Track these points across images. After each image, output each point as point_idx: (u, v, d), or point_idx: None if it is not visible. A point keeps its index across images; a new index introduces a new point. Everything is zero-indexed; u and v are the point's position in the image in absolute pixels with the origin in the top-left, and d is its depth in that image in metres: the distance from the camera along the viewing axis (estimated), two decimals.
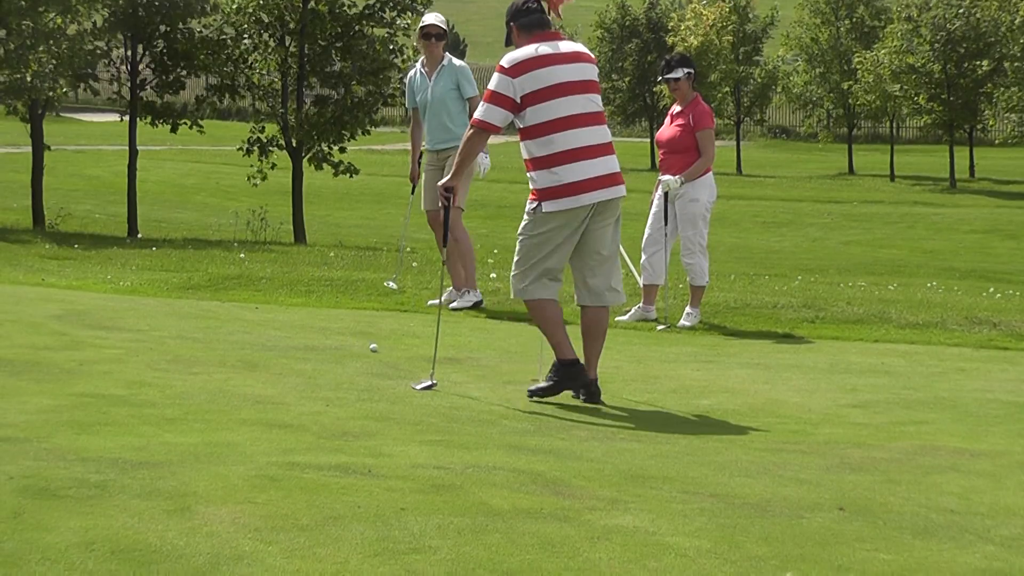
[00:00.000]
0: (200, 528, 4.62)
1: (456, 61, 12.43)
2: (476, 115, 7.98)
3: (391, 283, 13.70)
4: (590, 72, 8.00)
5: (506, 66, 7.86)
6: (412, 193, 13.26)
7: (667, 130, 12.32)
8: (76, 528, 4.52)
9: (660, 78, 12.47)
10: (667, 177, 12.11)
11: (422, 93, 12.44)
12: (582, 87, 7.90)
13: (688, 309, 12.11)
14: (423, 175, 12.58)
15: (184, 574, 4.16)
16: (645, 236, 12.30)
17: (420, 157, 12.89)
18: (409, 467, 5.68)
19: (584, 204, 7.81)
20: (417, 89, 12.51)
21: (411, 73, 12.69)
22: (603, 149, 7.92)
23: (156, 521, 4.66)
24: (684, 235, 12.15)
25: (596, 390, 7.96)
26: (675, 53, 13.17)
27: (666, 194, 12.12)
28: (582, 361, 8.00)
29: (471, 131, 8.01)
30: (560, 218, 7.85)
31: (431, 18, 12.49)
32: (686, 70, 12.12)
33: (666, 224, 12.10)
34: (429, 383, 7.92)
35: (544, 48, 7.88)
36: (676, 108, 12.31)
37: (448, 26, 13.18)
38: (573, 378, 7.95)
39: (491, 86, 7.90)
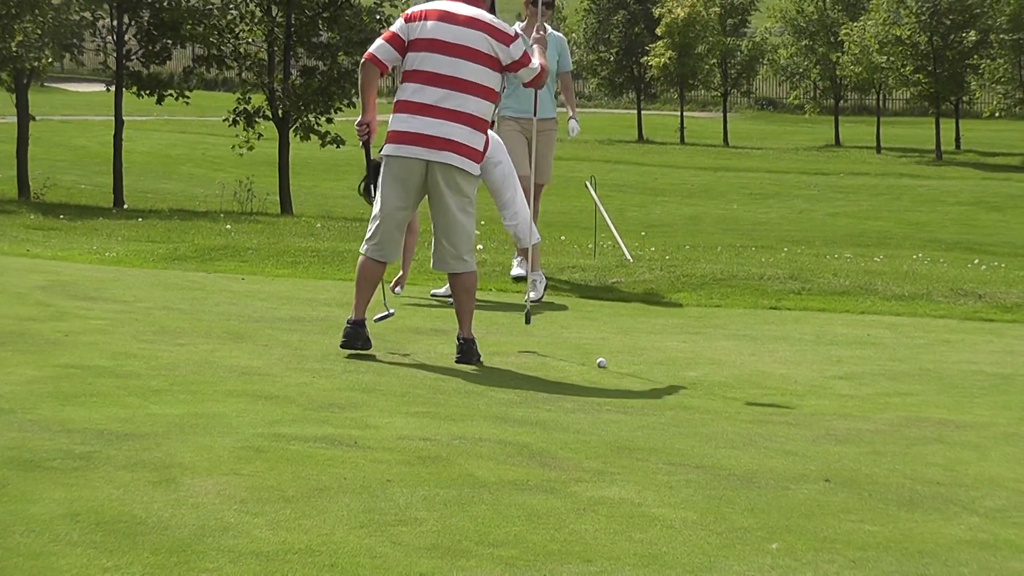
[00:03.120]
0: (185, 499, 4.61)
1: (556, 32, 12.07)
2: (370, 48, 8.17)
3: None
4: (481, 42, 7.94)
5: (408, 13, 8.12)
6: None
7: None
8: (61, 499, 4.51)
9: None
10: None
11: None
12: (461, 51, 7.91)
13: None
14: (505, 141, 11.58)
15: (169, 545, 4.15)
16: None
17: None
18: (395, 439, 5.68)
19: (400, 155, 7.94)
20: None
21: None
22: (450, 114, 7.91)
23: (141, 492, 4.65)
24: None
25: (467, 350, 8.04)
26: None
27: None
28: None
29: (362, 63, 8.18)
30: (391, 166, 8.02)
31: None
32: None
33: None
34: (386, 314, 8.46)
35: (444, 4, 8.06)
36: None
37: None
38: (350, 335, 7.99)
39: (391, 27, 8.20)
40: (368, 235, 8.13)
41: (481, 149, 8.03)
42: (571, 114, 12.46)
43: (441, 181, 7.93)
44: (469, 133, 7.94)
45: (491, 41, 7.95)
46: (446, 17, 7.97)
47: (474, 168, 7.99)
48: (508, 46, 7.99)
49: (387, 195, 8.06)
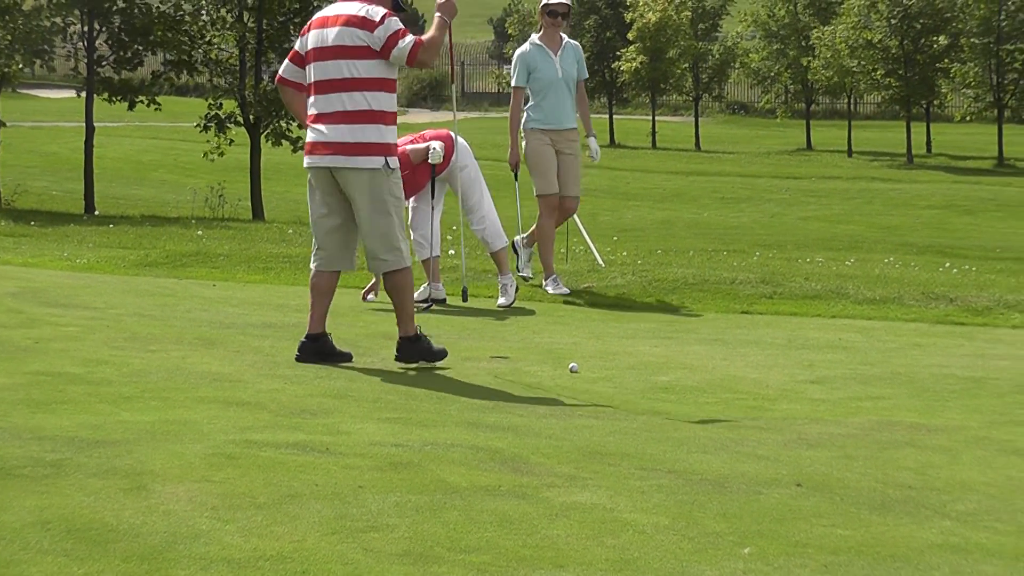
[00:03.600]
0: (157, 507, 4.60)
1: (572, 41, 12.13)
2: (279, 70, 8.37)
3: (526, 272, 12.61)
4: (348, 36, 7.89)
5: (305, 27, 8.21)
6: (516, 179, 12.21)
7: None
8: (32, 507, 4.49)
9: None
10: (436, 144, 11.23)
11: (544, 71, 11.90)
12: (333, 52, 7.91)
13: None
14: (535, 156, 11.96)
15: (140, 553, 4.14)
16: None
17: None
18: (367, 444, 5.68)
19: (308, 165, 8.11)
20: (536, 67, 11.95)
21: (524, 49, 12.07)
22: (332, 117, 7.92)
23: (112, 500, 4.64)
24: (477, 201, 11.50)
25: (404, 348, 8.04)
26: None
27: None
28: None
29: (277, 85, 8.51)
30: (309, 176, 8.18)
31: None
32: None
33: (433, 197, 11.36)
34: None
35: (325, 10, 8.12)
36: None
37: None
38: (316, 352, 8.00)
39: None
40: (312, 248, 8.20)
41: (377, 140, 7.88)
42: (589, 132, 12.35)
43: (345, 185, 7.96)
44: (352, 129, 7.87)
45: (356, 32, 7.87)
46: (322, 23, 8.01)
47: (368, 162, 7.86)
48: (372, 32, 7.85)
49: (311, 204, 8.19)
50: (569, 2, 12.02)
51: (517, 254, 12.38)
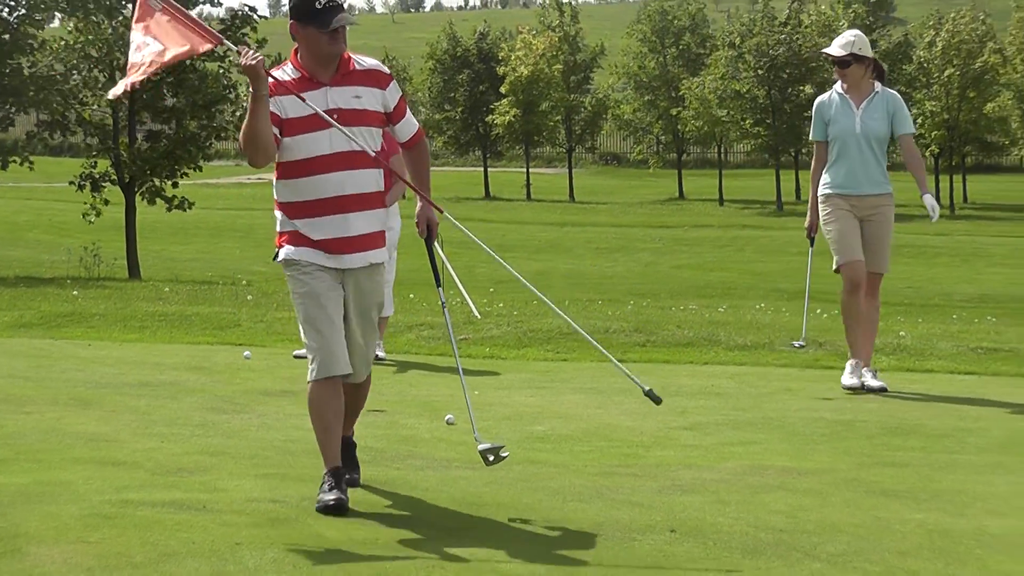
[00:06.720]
0: (32, 570, 4.58)
1: (889, 90, 10.16)
2: None
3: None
4: None
5: None
6: (812, 246, 11.06)
7: None
8: None
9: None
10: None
11: (844, 123, 10.02)
12: None
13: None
14: (834, 223, 10.08)
15: None
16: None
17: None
18: (244, 501, 5.68)
19: None
20: (833, 118, 10.11)
21: (823, 98, 10.28)
22: None
23: None
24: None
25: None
26: None
27: None
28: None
29: None
30: None
31: (849, 36, 10.26)
32: None
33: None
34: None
35: None
36: None
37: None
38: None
39: None
40: None
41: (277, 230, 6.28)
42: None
43: None
44: None
45: None
46: None
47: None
48: None
49: None
50: (858, 51, 10.07)
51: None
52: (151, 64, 5.92)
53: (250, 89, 5.77)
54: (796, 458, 7.22)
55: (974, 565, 5.16)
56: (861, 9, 65.40)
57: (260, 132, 5.78)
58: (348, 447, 6.27)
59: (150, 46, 5.94)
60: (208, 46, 6.00)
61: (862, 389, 9.69)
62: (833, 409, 8.95)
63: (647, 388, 6.18)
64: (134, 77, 5.95)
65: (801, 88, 62.28)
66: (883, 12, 67.41)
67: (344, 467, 5.98)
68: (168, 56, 5.92)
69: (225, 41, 6.06)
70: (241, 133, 5.86)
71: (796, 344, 11.75)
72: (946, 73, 61.82)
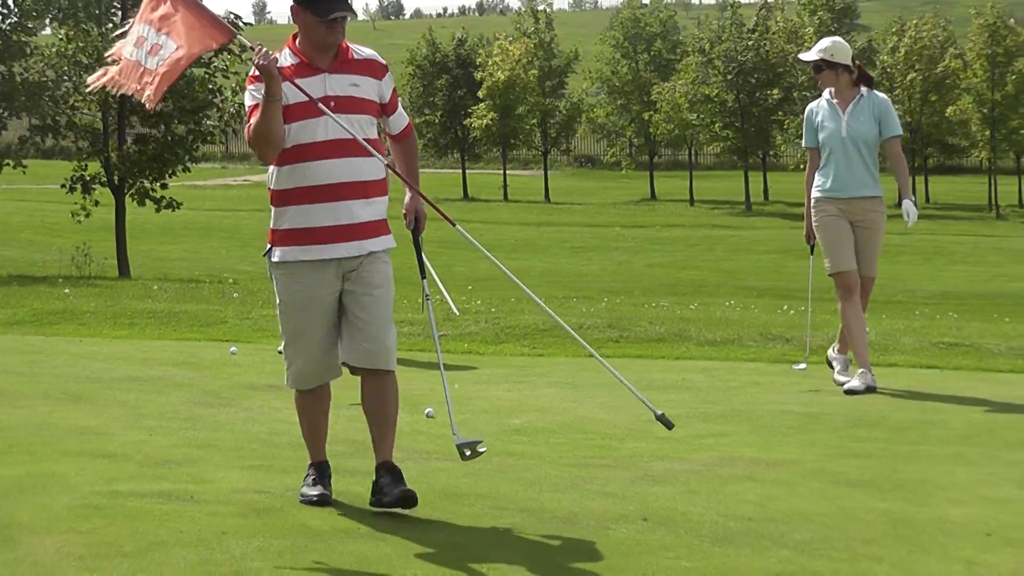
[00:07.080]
0: (24, 558, 4.69)
1: (877, 93, 10.13)
2: None
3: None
4: None
5: None
6: (812, 253, 10.81)
7: None
8: None
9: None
10: None
11: (831, 128, 10.05)
12: None
13: None
14: (825, 228, 10.07)
15: None
16: None
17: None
18: (230, 492, 5.80)
19: None
20: (821, 124, 10.15)
21: (813, 106, 10.28)
22: None
23: None
24: None
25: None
26: None
27: None
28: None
29: None
30: None
31: (826, 42, 10.17)
32: None
33: None
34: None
35: None
36: None
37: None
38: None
39: None
40: None
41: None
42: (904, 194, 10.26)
43: None
44: None
45: None
46: None
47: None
48: None
49: None
50: (830, 57, 10.01)
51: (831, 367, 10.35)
52: (172, 70, 5.69)
53: (249, 88, 5.73)
54: (764, 449, 7.34)
55: (936, 552, 5.29)
56: (826, 16, 65.71)
57: (273, 131, 5.68)
58: (392, 472, 5.82)
59: (164, 48, 5.75)
60: (223, 40, 5.81)
61: (875, 391, 9.59)
62: (800, 402, 9.09)
63: (659, 412, 6.27)
64: (151, 90, 5.73)
65: (769, 92, 62.72)
66: (847, 19, 67.65)
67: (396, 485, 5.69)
68: (186, 59, 5.71)
69: (239, 35, 5.92)
70: (251, 131, 5.72)
71: (797, 367, 10.68)
72: (908, 78, 62.60)
